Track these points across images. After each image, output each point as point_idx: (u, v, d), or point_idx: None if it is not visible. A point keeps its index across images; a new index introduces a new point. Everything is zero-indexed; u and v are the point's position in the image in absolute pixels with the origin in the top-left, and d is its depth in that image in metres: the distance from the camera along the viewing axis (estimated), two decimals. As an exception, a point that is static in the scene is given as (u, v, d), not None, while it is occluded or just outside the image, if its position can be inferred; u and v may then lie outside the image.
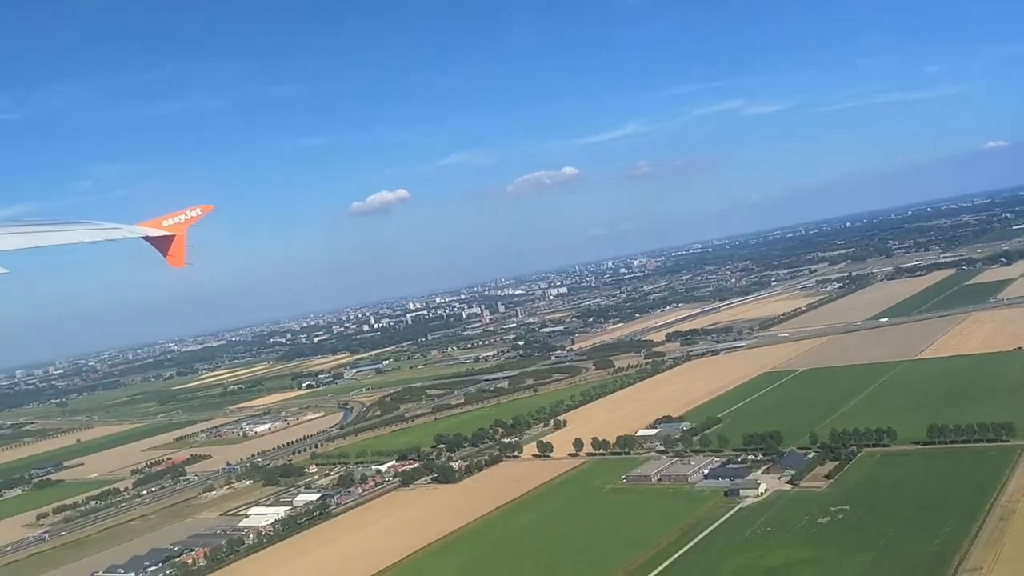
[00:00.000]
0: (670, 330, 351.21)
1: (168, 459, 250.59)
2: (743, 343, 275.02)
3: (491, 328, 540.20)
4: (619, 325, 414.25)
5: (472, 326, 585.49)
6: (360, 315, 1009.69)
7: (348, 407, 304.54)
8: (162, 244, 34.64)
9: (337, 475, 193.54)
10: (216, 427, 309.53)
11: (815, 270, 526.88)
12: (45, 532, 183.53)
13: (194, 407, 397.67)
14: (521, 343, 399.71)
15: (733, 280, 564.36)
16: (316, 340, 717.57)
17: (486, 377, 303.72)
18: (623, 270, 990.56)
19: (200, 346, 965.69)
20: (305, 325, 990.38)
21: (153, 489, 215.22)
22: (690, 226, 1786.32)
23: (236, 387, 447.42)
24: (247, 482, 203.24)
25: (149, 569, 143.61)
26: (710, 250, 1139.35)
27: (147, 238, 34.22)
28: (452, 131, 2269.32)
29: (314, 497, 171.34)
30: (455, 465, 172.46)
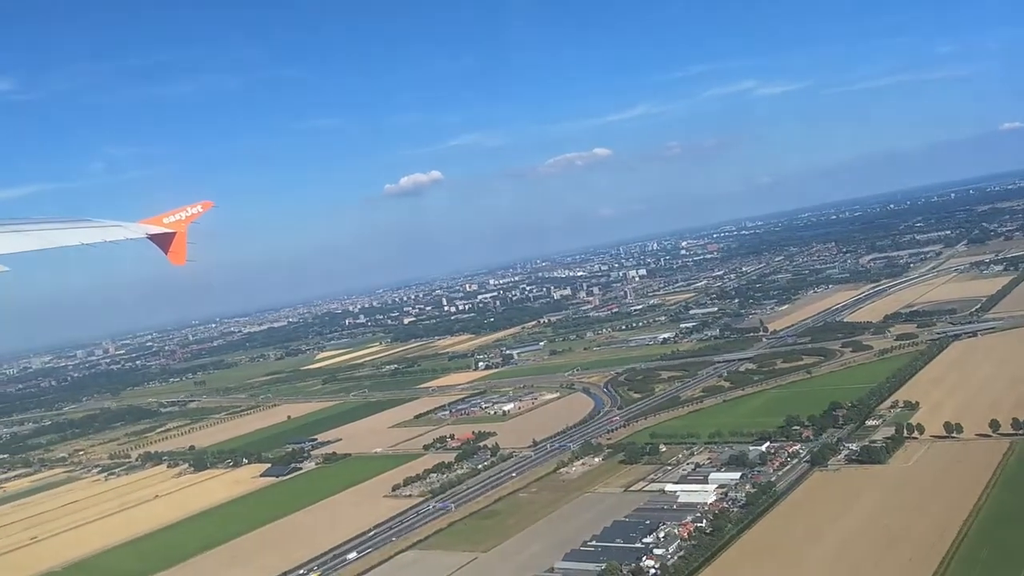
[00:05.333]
0: (859, 310, 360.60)
1: (452, 436, 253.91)
2: (990, 325, 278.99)
3: (615, 309, 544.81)
4: (785, 307, 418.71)
5: (584, 308, 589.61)
6: (410, 296, 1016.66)
7: (577, 388, 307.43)
8: (163, 241, 35.88)
9: (703, 454, 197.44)
10: (448, 404, 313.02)
11: (939, 252, 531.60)
12: (449, 502, 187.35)
13: (368, 386, 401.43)
14: (693, 324, 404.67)
15: (848, 261, 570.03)
16: (407, 321, 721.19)
17: (718, 360, 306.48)
18: (683, 251, 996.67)
19: (260, 327, 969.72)
20: (365, 306, 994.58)
21: (485, 463, 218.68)
22: (714, 207, 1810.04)
23: (391, 367, 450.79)
24: (596, 459, 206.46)
25: (645, 540, 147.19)
26: (758, 232, 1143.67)
27: (149, 236, 35.25)
28: (464, 114, 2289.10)
29: (735, 476, 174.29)
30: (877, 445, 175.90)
